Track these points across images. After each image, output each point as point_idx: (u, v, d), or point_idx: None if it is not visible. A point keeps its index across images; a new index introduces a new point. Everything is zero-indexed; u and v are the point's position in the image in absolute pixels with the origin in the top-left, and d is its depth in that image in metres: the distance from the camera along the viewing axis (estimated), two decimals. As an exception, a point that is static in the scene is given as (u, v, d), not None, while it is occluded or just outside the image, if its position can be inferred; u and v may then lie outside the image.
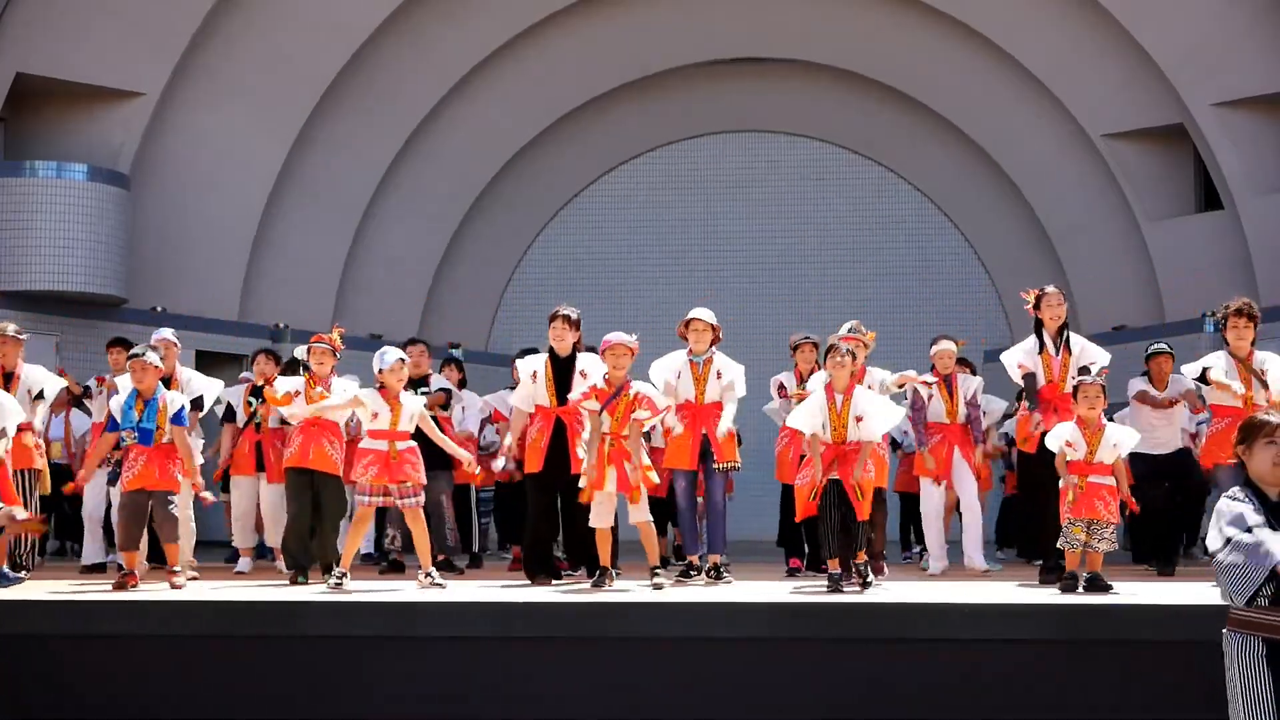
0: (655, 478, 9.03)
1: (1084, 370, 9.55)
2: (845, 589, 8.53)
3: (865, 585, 8.71)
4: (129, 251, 15.61)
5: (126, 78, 15.76)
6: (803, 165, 20.15)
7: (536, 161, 19.66)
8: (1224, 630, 4.81)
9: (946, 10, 17.53)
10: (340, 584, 8.85)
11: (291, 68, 16.79)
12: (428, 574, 9.04)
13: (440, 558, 10.84)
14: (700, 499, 9.97)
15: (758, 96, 19.66)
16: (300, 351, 10.42)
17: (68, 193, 15.06)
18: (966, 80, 18.38)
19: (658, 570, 8.92)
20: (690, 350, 9.52)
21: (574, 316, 9.66)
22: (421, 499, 9.17)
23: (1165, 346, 11.53)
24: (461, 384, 12.30)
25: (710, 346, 9.50)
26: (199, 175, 16.64)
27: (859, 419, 8.76)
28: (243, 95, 16.65)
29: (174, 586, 8.90)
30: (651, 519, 8.98)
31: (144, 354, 9.03)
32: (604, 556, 8.95)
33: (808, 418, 8.86)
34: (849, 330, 10.01)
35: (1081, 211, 18.49)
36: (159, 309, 15.98)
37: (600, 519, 8.90)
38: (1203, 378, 9.82)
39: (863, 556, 8.83)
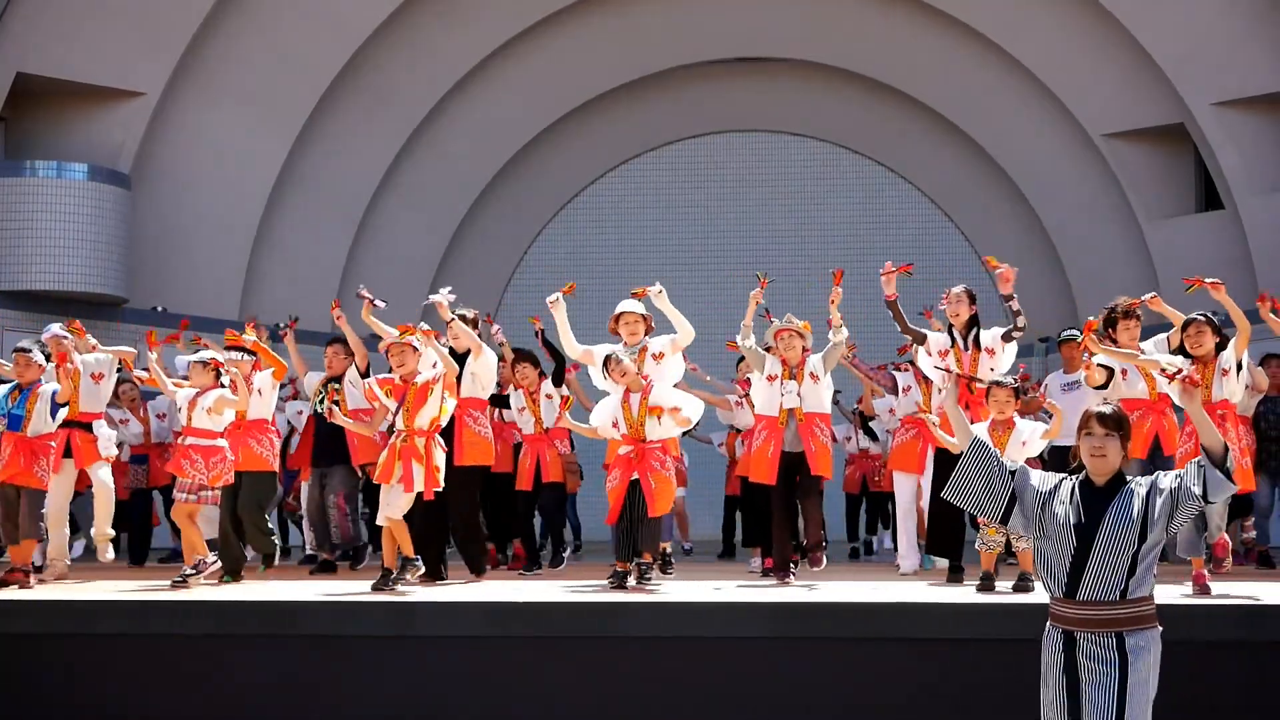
0: (439, 479, 8.96)
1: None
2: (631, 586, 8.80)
3: (641, 581, 8.86)
4: (129, 251, 15.61)
5: (126, 77, 15.75)
6: (803, 165, 20.14)
7: (537, 161, 19.65)
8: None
9: (948, 10, 17.54)
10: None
11: (292, 67, 16.79)
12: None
13: (322, 557, 10.92)
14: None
15: (758, 96, 19.66)
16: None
17: (68, 192, 15.07)
18: (967, 80, 18.38)
19: (411, 562, 8.86)
20: (624, 344, 9.69)
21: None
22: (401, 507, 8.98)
23: (1074, 333, 11.56)
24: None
25: (645, 335, 9.71)
26: (199, 174, 16.63)
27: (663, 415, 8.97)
28: (243, 94, 16.65)
29: (22, 585, 8.89)
30: (401, 521, 8.82)
31: (30, 350, 9.42)
32: (405, 548, 8.86)
33: (598, 415, 9.20)
34: (784, 322, 9.87)
35: (1081, 211, 18.48)
36: (159, 308, 15.98)
37: (391, 510, 8.79)
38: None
39: (648, 556, 9.01)
